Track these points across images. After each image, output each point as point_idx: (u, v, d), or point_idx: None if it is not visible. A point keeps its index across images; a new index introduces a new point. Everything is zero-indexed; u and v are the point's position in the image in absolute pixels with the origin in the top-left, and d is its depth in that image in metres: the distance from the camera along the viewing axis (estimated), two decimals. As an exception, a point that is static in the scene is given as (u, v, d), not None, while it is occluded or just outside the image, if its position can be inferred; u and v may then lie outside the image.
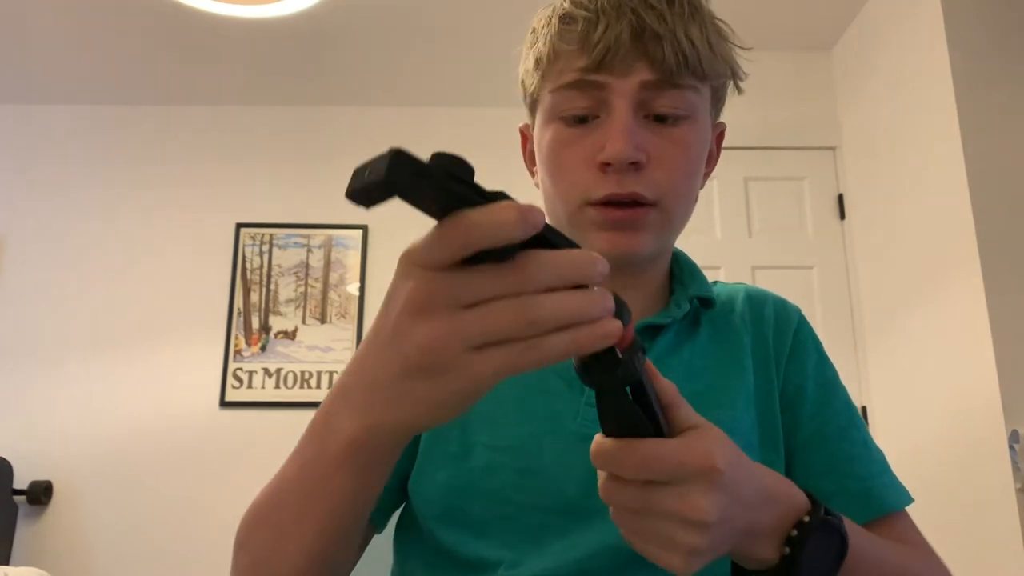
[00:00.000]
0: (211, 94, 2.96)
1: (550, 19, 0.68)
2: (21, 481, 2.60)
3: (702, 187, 0.74)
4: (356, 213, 2.89)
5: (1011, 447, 1.79)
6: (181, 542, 2.60)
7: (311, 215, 2.91)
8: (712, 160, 0.76)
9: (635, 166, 0.64)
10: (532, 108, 0.73)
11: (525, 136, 0.78)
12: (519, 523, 0.62)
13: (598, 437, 0.45)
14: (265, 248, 2.89)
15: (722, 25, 0.70)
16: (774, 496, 0.49)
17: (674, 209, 0.67)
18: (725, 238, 2.67)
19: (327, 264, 2.88)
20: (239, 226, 2.90)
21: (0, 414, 2.72)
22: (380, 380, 0.40)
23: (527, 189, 0.74)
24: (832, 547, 0.51)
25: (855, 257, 2.60)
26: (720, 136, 0.77)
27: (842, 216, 2.66)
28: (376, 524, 0.69)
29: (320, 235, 2.90)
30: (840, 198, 2.67)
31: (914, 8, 2.23)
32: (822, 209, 2.68)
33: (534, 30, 0.71)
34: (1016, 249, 1.94)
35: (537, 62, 0.69)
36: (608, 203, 0.65)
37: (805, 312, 0.78)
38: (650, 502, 0.43)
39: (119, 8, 2.46)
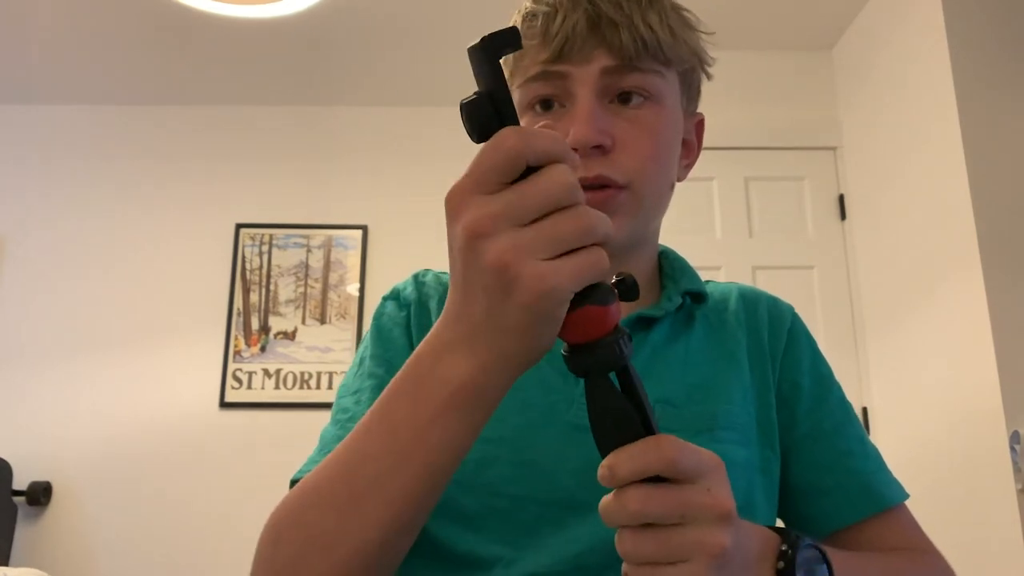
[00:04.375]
0: (211, 94, 2.96)
1: (515, 20, 0.70)
2: (20, 482, 2.60)
3: (682, 178, 0.74)
4: (356, 214, 2.88)
5: (1012, 447, 1.79)
6: (181, 543, 2.60)
7: (311, 215, 2.91)
8: (693, 151, 0.76)
9: (600, 149, 0.65)
10: None
11: None
12: (515, 517, 0.62)
13: (615, 493, 0.42)
14: (265, 248, 2.89)
15: (687, 14, 0.71)
16: (756, 528, 0.50)
17: (645, 192, 0.67)
18: (725, 238, 2.66)
19: (327, 264, 2.88)
20: (239, 226, 2.90)
21: (0, 414, 2.72)
22: (474, 319, 0.42)
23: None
24: (818, 563, 0.51)
25: (855, 257, 2.60)
26: (699, 127, 0.77)
27: (842, 216, 2.66)
28: None
29: (320, 235, 2.90)
30: (840, 198, 2.67)
31: (914, 8, 2.23)
32: (822, 209, 2.68)
33: None
34: (1017, 249, 1.93)
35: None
36: None
37: (805, 312, 0.78)
38: (675, 544, 0.42)
39: (119, 8, 2.46)
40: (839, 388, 0.74)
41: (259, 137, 3.00)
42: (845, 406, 0.73)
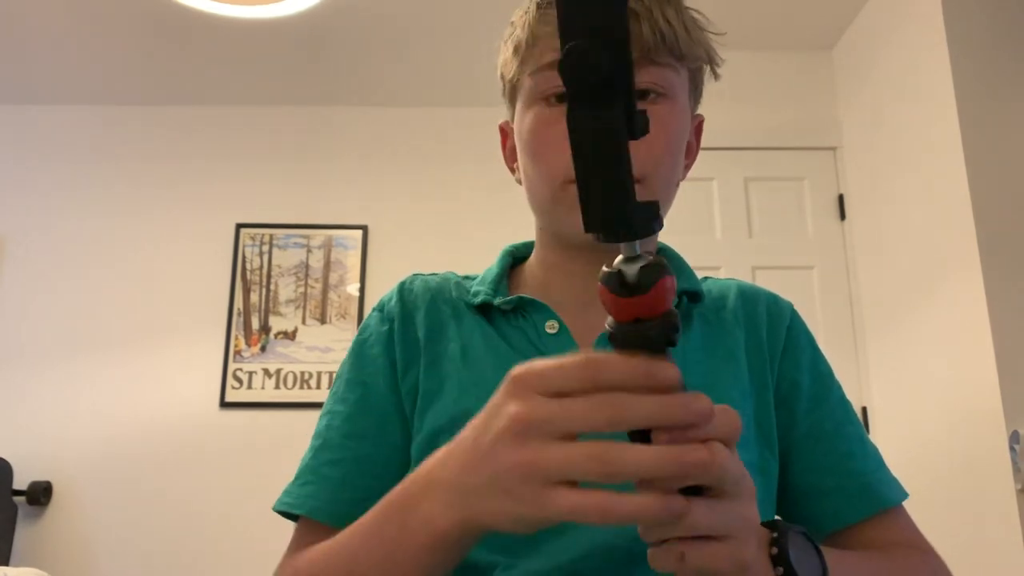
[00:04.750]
0: (211, 94, 2.96)
1: (527, 8, 0.69)
2: (21, 482, 2.60)
3: (683, 178, 0.74)
4: (356, 214, 2.89)
5: (1011, 447, 1.79)
6: (181, 543, 2.60)
7: (311, 215, 2.91)
8: (692, 152, 0.76)
9: None
10: (511, 97, 0.74)
11: (505, 133, 0.79)
12: None
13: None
14: (265, 248, 2.89)
15: (697, 15, 0.71)
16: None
17: (657, 186, 0.67)
18: (725, 238, 2.66)
19: (327, 264, 2.88)
20: (239, 226, 2.90)
21: (0, 414, 2.72)
22: (470, 486, 0.43)
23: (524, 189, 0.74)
24: (809, 551, 0.51)
25: (855, 257, 2.60)
26: (699, 128, 0.77)
27: (842, 216, 2.66)
28: None
29: (320, 235, 2.90)
30: (840, 198, 2.67)
31: (914, 8, 2.23)
32: (822, 209, 2.68)
33: (512, 23, 0.72)
34: (1017, 249, 1.93)
35: (516, 48, 0.70)
36: None
37: (805, 312, 0.78)
38: (729, 515, 0.41)
39: (119, 8, 2.46)
40: (839, 387, 0.74)
41: (259, 137, 3.00)
42: (845, 405, 0.73)
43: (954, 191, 2.02)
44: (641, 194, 0.65)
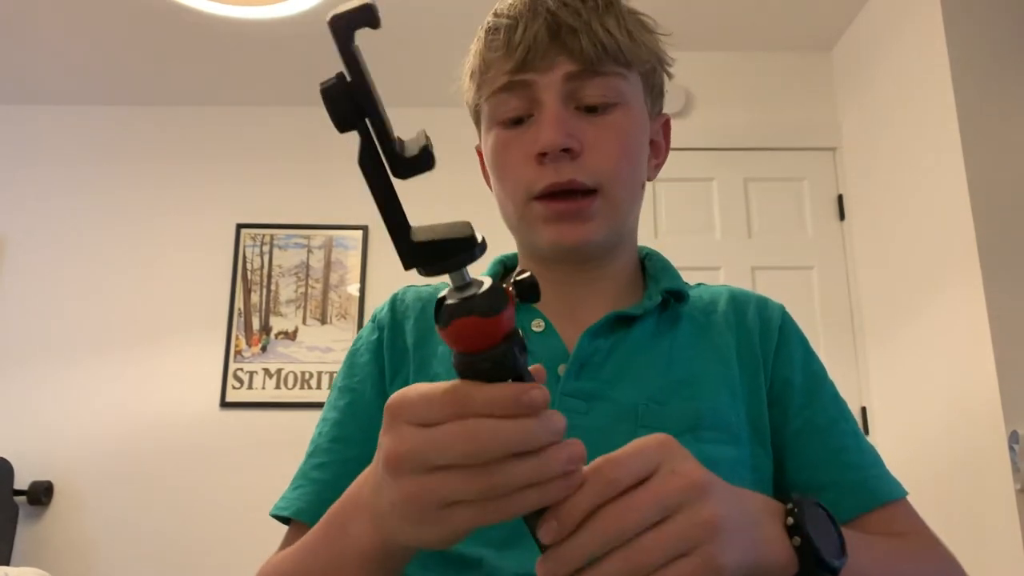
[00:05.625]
0: (210, 94, 2.97)
1: (479, 35, 0.72)
2: (21, 481, 2.60)
3: (652, 178, 0.76)
4: (356, 214, 2.89)
5: (1011, 447, 1.79)
6: (181, 542, 2.60)
7: (311, 215, 2.91)
8: (661, 152, 0.78)
9: (569, 153, 0.66)
10: (476, 121, 0.77)
11: (480, 154, 0.81)
12: None
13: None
14: (265, 248, 2.90)
15: (643, 18, 0.73)
16: (748, 491, 0.49)
17: (617, 194, 0.69)
18: (725, 238, 2.66)
19: (327, 265, 2.88)
20: (239, 226, 2.91)
21: (0, 414, 2.73)
22: (381, 510, 0.44)
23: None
24: (825, 521, 0.51)
25: (855, 257, 2.60)
26: (666, 127, 0.78)
27: (842, 216, 2.66)
28: None
29: (320, 235, 2.90)
30: (840, 198, 2.67)
31: (914, 8, 2.23)
32: (822, 209, 2.68)
33: (469, 50, 0.75)
34: (1016, 249, 1.94)
35: (471, 75, 0.73)
36: (552, 195, 0.67)
37: (804, 313, 0.78)
38: (673, 540, 0.40)
39: (119, 8, 2.46)
40: (832, 385, 0.74)
41: (259, 137, 3.00)
42: (839, 403, 0.73)
43: (954, 191, 2.02)
44: (602, 204, 0.67)
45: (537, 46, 0.66)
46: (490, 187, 0.79)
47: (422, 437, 0.39)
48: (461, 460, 0.38)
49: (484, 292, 0.38)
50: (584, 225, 0.68)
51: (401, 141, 0.38)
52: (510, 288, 0.40)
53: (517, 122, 0.69)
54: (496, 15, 0.70)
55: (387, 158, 0.37)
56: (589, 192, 0.67)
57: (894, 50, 2.36)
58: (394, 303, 0.78)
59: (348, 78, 0.38)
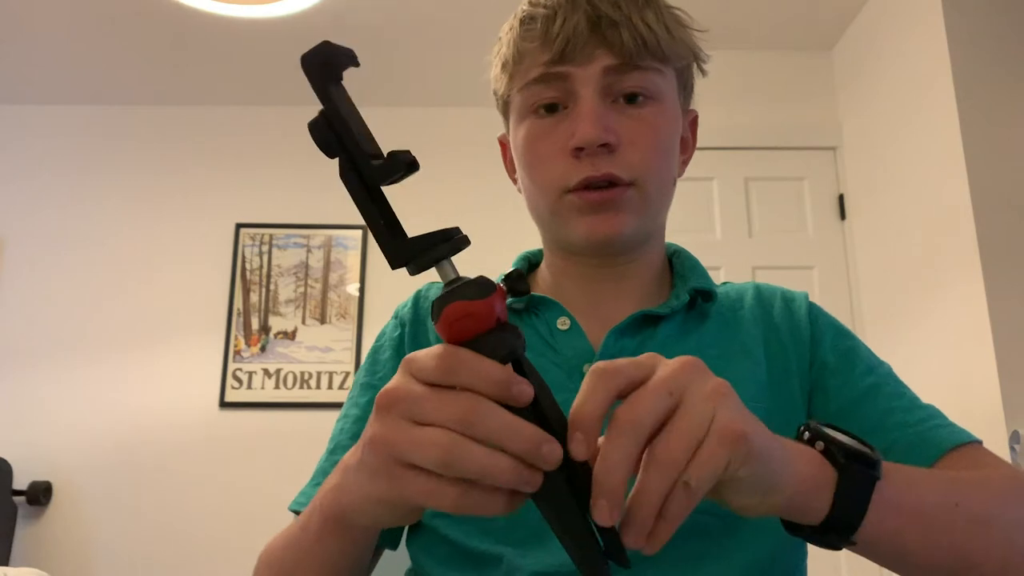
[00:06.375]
0: (211, 94, 2.96)
1: (512, 24, 0.71)
2: (21, 481, 2.60)
3: (680, 175, 0.75)
4: (356, 214, 2.88)
5: (1011, 447, 1.79)
6: (181, 543, 2.60)
7: (311, 215, 2.91)
8: (688, 148, 0.77)
9: (607, 147, 0.65)
10: (505, 112, 0.76)
11: (504, 146, 0.80)
12: (522, 517, 0.62)
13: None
14: (265, 248, 2.89)
15: (679, 13, 0.72)
16: (778, 438, 0.46)
17: (651, 188, 0.68)
18: (725, 238, 2.66)
19: (327, 264, 2.88)
20: (239, 226, 2.90)
21: (0, 414, 2.73)
22: (350, 465, 0.45)
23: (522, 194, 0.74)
24: (843, 433, 0.49)
25: (855, 257, 2.60)
26: (694, 123, 0.78)
27: (842, 216, 2.66)
28: (387, 544, 0.70)
29: (320, 235, 2.90)
30: (840, 198, 2.67)
31: (914, 8, 2.23)
32: (822, 209, 2.68)
33: (500, 38, 0.73)
34: (1017, 249, 1.93)
35: (503, 65, 0.72)
36: (586, 187, 0.66)
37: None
38: (687, 423, 0.39)
39: (118, 8, 2.46)
40: (869, 355, 0.72)
41: (259, 137, 3.00)
42: (878, 371, 0.71)
43: (954, 190, 2.02)
44: (636, 197, 0.66)
45: (576, 38, 0.65)
46: (512, 179, 0.78)
47: (418, 388, 0.39)
48: (445, 422, 0.38)
49: (470, 280, 0.39)
50: (617, 216, 0.67)
51: (381, 155, 0.42)
52: (501, 285, 0.41)
53: (550, 108, 0.68)
54: (532, 4, 0.69)
55: (364, 171, 0.42)
56: (625, 185, 0.66)
57: (895, 49, 2.36)
58: (417, 299, 0.77)
59: (324, 112, 0.41)
